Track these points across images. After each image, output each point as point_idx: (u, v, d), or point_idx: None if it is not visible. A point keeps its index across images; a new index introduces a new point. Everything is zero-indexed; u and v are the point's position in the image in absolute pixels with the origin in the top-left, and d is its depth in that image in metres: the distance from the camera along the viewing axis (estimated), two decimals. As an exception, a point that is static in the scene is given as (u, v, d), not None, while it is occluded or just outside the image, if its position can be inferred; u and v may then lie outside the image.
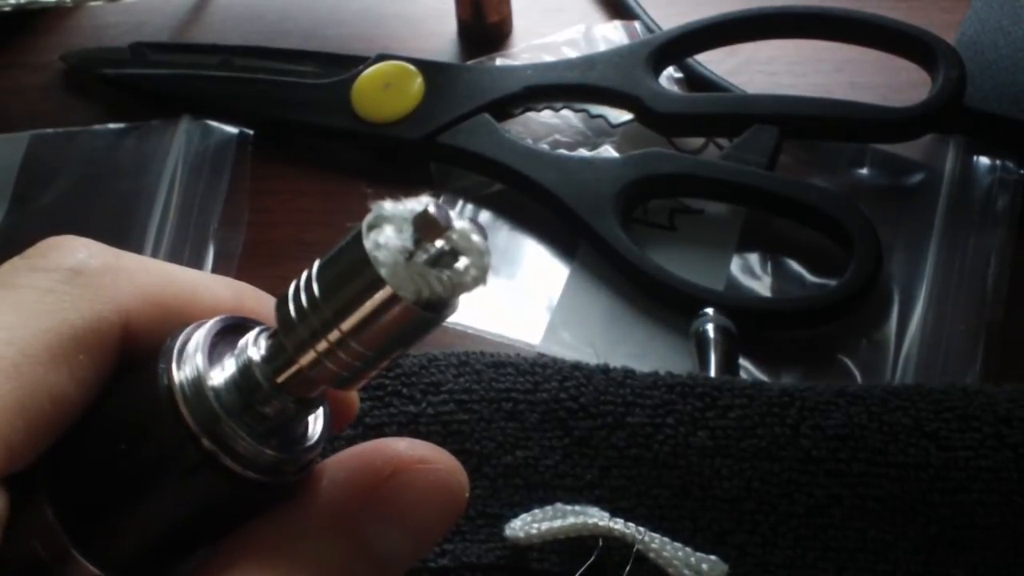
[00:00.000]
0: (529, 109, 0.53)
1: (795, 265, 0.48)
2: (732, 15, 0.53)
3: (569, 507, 0.37)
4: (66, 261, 0.24)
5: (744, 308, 0.45)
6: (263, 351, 0.23)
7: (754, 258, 0.48)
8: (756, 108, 0.50)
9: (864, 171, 0.51)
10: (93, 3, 0.61)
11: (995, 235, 0.47)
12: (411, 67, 0.54)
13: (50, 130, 0.56)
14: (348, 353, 0.21)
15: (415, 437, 0.39)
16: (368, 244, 0.20)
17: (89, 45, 0.59)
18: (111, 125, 0.55)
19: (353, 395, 0.28)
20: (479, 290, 0.21)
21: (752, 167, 0.48)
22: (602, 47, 0.56)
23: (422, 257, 0.21)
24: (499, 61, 0.56)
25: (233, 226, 0.51)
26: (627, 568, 0.36)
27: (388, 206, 0.21)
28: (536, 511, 0.37)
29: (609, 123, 0.53)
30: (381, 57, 0.54)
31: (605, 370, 0.40)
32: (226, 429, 0.22)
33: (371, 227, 0.21)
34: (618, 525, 0.36)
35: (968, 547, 0.37)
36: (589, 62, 0.53)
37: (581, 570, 0.37)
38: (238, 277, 0.49)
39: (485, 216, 0.51)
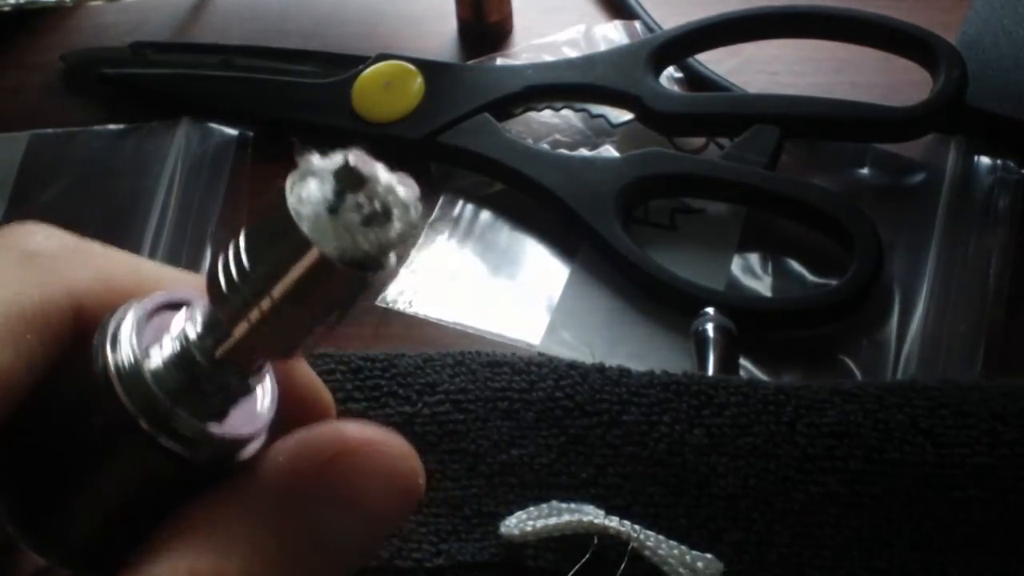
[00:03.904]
0: (529, 109, 0.53)
1: (796, 265, 0.48)
2: (732, 15, 0.53)
3: (564, 505, 0.37)
4: (21, 243, 0.24)
5: (744, 308, 0.45)
6: (199, 326, 0.22)
7: (755, 258, 0.48)
8: (757, 108, 0.50)
9: (865, 171, 0.50)
10: (93, 3, 0.61)
11: (996, 235, 0.47)
12: (411, 67, 0.54)
13: (50, 130, 0.56)
14: (282, 318, 0.20)
15: (411, 438, 0.39)
16: (291, 200, 0.19)
17: (89, 45, 0.59)
18: (111, 126, 0.55)
19: (319, 386, 0.27)
20: (408, 246, 0.20)
21: (753, 167, 0.48)
22: (602, 47, 0.56)
23: (349, 214, 0.20)
24: (499, 61, 0.56)
25: (232, 227, 0.51)
26: (622, 566, 0.36)
27: (313, 160, 0.20)
28: (532, 509, 0.37)
29: (609, 123, 0.53)
30: (381, 57, 0.54)
31: (601, 369, 0.40)
32: (164, 408, 0.21)
33: (295, 183, 0.20)
34: (613, 523, 0.36)
35: (964, 544, 0.36)
36: (589, 62, 0.53)
37: (576, 568, 0.37)
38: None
39: (485, 216, 0.51)
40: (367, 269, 0.20)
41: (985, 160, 0.49)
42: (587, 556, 0.37)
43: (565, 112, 0.53)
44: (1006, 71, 0.51)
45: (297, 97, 0.54)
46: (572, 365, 0.40)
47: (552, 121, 0.54)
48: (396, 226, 0.20)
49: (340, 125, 0.53)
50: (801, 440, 0.38)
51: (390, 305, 0.47)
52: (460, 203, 0.51)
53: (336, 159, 0.20)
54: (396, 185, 0.20)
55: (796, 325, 0.46)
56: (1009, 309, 0.45)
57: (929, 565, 0.36)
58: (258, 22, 0.61)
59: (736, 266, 0.48)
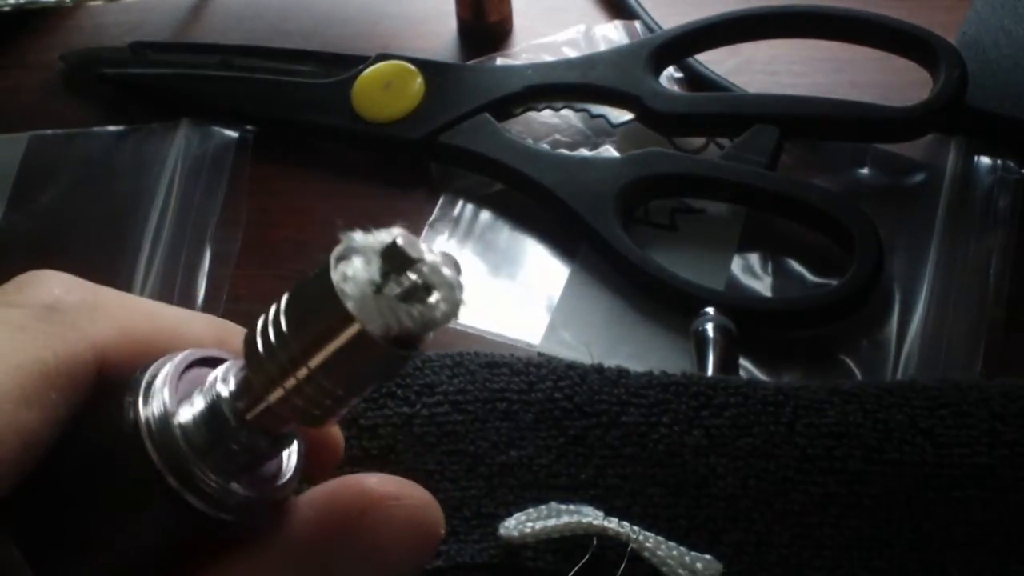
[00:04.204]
0: (529, 109, 0.53)
1: (796, 265, 0.48)
2: (732, 15, 0.53)
3: (564, 506, 0.37)
4: (41, 297, 0.24)
5: (744, 308, 0.45)
6: (232, 387, 0.22)
7: (755, 258, 0.48)
8: (757, 108, 0.50)
9: (865, 171, 0.50)
10: (93, 3, 0.61)
11: (996, 235, 0.47)
12: (411, 67, 0.54)
13: (49, 131, 0.56)
14: (317, 390, 0.21)
15: (410, 439, 0.39)
16: (336, 276, 0.20)
17: (89, 45, 0.59)
18: (110, 127, 0.55)
19: (337, 434, 0.27)
20: (450, 325, 0.20)
21: (753, 167, 0.48)
22: (602, 47, 0.56)
23: (392, 291, 0.20)
24: (499, 61, 0.56)
25: (231, 227, 0.51)
26: (622, 567, 0.36)
27: (358, 237, 0.20)
28: (531, 510, 0.37)
29: (609, 123, 0.53)
30: (381, 57, 0.54)
31: (599, 369, 0.40)
32: (192, 467, 0.22)
33: (340, 259, 0.20)
34: (613, 524, 0.36)
35: (964, 544, 0.36)
36: (589, 62, 0.53)
37: (575, 569, 0.37)
38: (237, 278, 0.50)
39: (485, 216, 0.51)
40: (408, 347, 0.20)
41: (985, 160, 0.49)
42: (586, 557, 0.37)
43: (565, 112, 0.53)
44: (1006, 71, 0.50)
45: (297, 97, 0.54)
46: (571, 366, 0.40)
47: (552, 121, 0.54)
48: (442, 306, 0.20)
49: (340, 125, 0.53)
50: (801, 440, 0.38)
51: (390, 305, 0.47)
52: (460, 203, 0.51)
53: (382, 237, 0.20)
54: (440, 265, 0.20)
55: (796, 325, 0.46)
56: (1009, 309, 0.45)
57: (929, 565, 0.36)
58: (258, 22, 0.61)
59: (736, 266, 0.48)
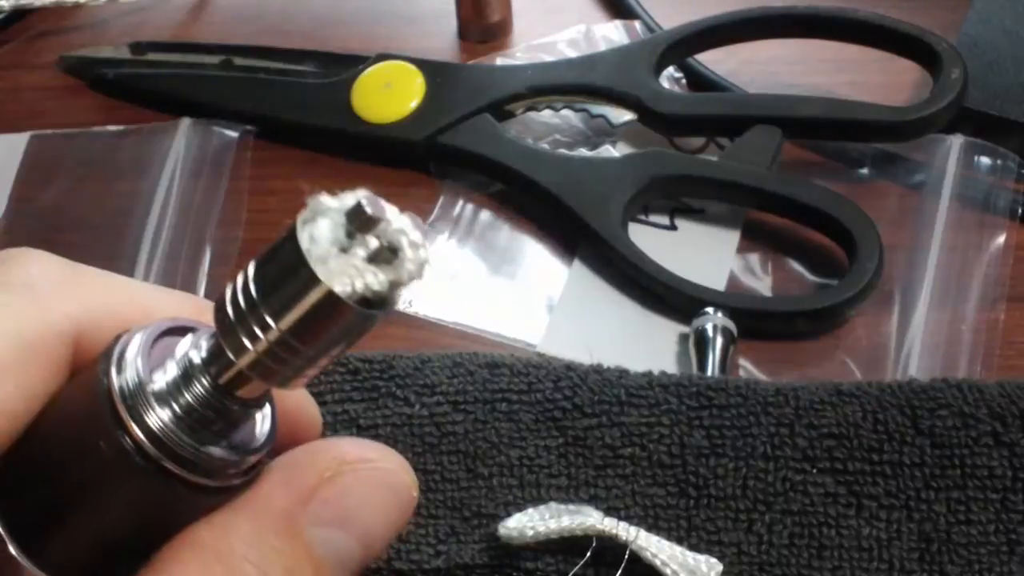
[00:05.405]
0: (529, 109, 0.53)
1: (795, 265, 0.48)
2: (732, 15, 0.53)
3: (563, 507, 0.37)
4: (19, 274, 0.24)
5: (744, 308, 0.45)
6: (204, 353, 0.22)
7: (754, 258, 0.48)
8: (757, 108, 0.50)
9: (865, 171, 0.50)
10: (93, 3, 0.61)
11: (996, 235, 0.47)
12: (411, 67, 0.54)
13: (50, 131, 0.56)
14: (288, 352, 0.21)
15: (410, 439, 0.39)
16: (302, 239, 0.20)
17: (89, 45, 0.59)
18: (111, 127, 0.55)
19: (313, 405, 0.27)
20: (416, 284, 0.21)
21: (753, 167, 0.48)
22: (602, 47, 0.56)
23: (358, 252, 0.20)
24: (499, 61, 0.56)
25: (231, 227, 0.51)
26: (621, 567, 0.36)
27: (323, 200, 0.20)
28: (530, 511, 0.37)
29: (610, 123, 0.52)
30: (381, 57, 0.54)
31: (599, 370, 0.40)
32: (167, 433, 0.22)
33: (306, 222, 0.20)
34: (612, 524, 0.36)
35: (963, 545, 0.36)
36: (589, 62, 0.53)
37: (575, 570, 0.37)
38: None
39: (485, 216, 0.51)
40: (375, 307, 0.20)
41: (985, 160, 0.49)
42: (586, 557, 0.37)
43: (565, 112, 0.53)
44: (1007, 72, 0.50)
45: (297, 97, 0.54)
46: (570, 366, 0.40)
47: (552, 121, 0.54)
48: (407, 266, 0.20)
49: (340, 125, 0.53)
50: (800, 441, 0.38)
51: (390, 305, 0.47)
52: (460, 203, 0.51)
53: (347, 199, 0.20)
54: (405, 225, 0.20)
55: (796, 325, 0.46)
56: (1009, 309, 0.45)
57: (929, 566, 0.36)
58: (258, 22, 0.61)
59: (736, 266, 0.48)
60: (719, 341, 0.43)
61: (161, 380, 0.22)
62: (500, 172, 0.51)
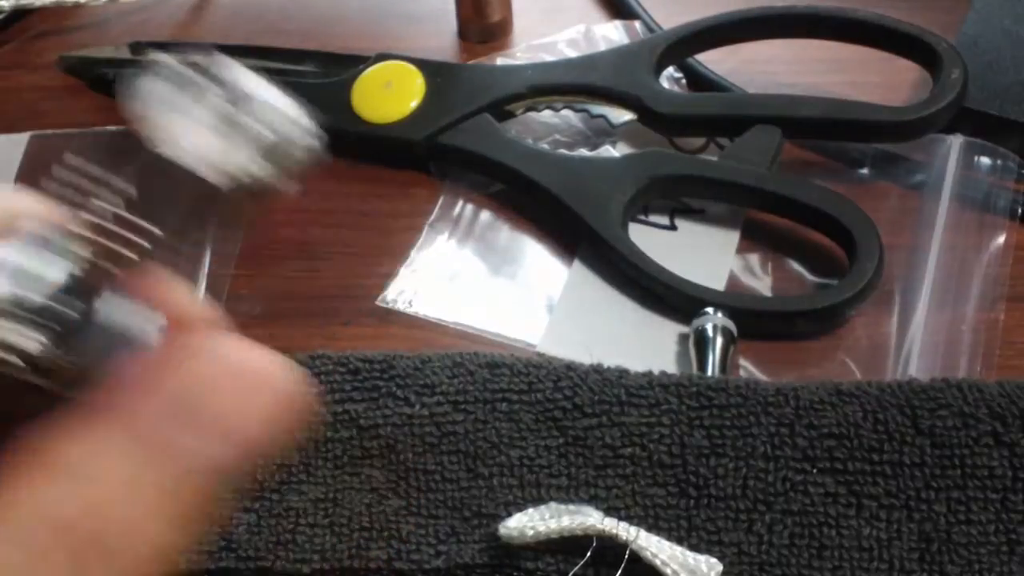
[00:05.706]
0: (529, 109, 0.53)
1: (795, 265, 0.48)
2: (732, 15, 0.53)
3: (564, 507, 0.37)
4: None
5: (744, 308, 0.45)
6: (43, 241, 0.21)
7: (754, 258, 0.48)
8: (757, 108, 0.50)
9: (865, 171, 0.50)
10: (93, 3, 0.61)
11: (996, 235, 0.47)
12: (411, 67, 0.54)
13: (50, 131, 0.56)
14: (127, 228, 0.20)
15: (411, 439, 0.39)
16: (135, 103, 0.19)
17: (89, 45, 0.59)
18: (111, 127, 0.55)
19: (199, 306, 0.26)
20: (276, 165, 0.20)
21: (753, 167, 0.48)
22: (602, 47, 0.56)
23: (203, 118, 0.20)
24: (499, 61, 0.56)
25: (231, 227, 0.51)
26: (621, 567, 0.36)
27: (163, 59, 0.20)
28: (531, 511, 0.37)
29: (610, 123, 0.52)
30: (381, 57, 0.54)
31: (599, 370, 0.40)
32: (14, 334, 0.21)
33: (143, 86, 0.20)
34: (612, 524, 0.36)
35: (963, 545, 0.36)
36: (589, 62, 0.53)
37: (575, 570, 0.37)
38: (237, 278, 0.50)
39: (485, 216, 0.51)
40: (226, 182, 0.20)
41: (985, 160, 0.49)
42: (586, 558, 0.37)
43: (565, 112, 0.53)
44: (1006, 72, 0.51)
45: (296, 97, 0.54)
46: (570, 366, 0.40)
47: (552, 121, 0.54)
48: (268, 140, 0.20)
49: (340, 125, 0.53)
50: (801, 441, 0.38)
51: (390, 305, 0.47)
52: (460, 203, 0.51)
53: (186, 60, 0.20)
54: (260, 95, 0.20)
55: (796, 325, 0.46)
56: (1009, 309, 0.45)
57: (929, 566, 0.36)
58: (258, 22, 0.61)
59: (736, 266, 0.48)
60: (719, 341, 0.43)
61: (7, 284, 0.21)
62: (500, 172, 0.51)
